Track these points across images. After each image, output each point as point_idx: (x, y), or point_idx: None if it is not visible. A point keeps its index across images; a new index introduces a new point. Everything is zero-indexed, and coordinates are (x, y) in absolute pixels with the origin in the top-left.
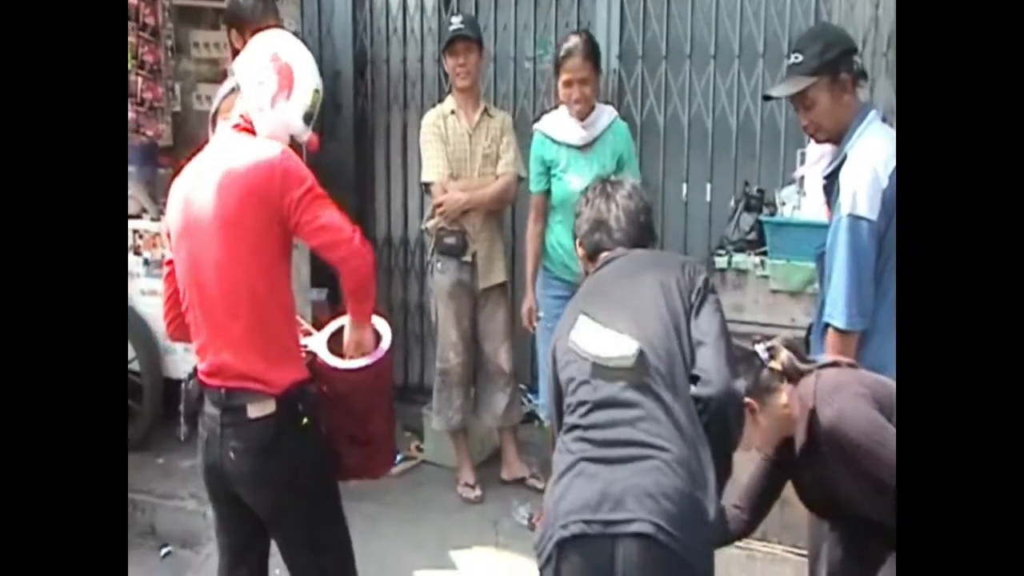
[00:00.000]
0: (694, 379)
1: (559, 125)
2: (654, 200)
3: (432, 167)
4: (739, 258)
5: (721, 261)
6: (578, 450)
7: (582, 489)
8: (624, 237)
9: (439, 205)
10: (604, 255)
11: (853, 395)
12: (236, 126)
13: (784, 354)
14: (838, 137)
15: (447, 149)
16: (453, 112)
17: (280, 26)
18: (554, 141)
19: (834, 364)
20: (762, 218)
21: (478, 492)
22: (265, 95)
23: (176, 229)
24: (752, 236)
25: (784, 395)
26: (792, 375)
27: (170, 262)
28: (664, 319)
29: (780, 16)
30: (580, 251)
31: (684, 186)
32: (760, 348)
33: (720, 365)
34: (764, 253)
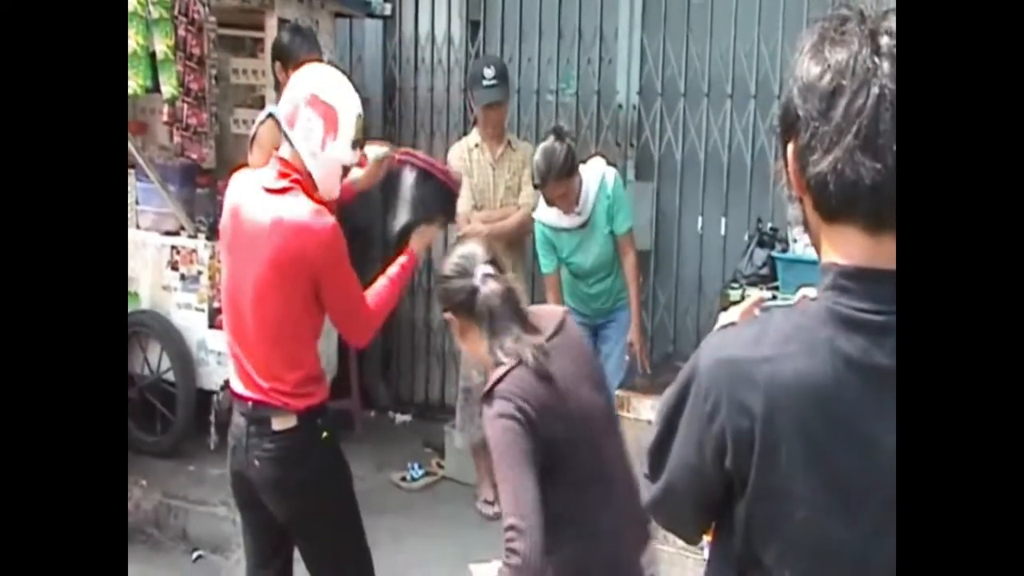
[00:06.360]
0: None
1: (553, 214)
2: (671, 233)
3: None
4: (752, 292)
5: (735, 294)
6: None
7: None
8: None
9: (463, 236)
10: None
11: None
12: (283, 173)
13: None
14: None
15: (471, 182)
16: (477, 145)
17: (320, 59)
18: (553, 228)
19: None
20: (775, 254)
21: (497, 508)
22: (315, 141)
23: (225, 237)
24: (765, 271)
25: None
26: None
27: None
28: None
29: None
30: (804, 198)
31: (700, 219)
32: None
33: None
34: (776, 288)
